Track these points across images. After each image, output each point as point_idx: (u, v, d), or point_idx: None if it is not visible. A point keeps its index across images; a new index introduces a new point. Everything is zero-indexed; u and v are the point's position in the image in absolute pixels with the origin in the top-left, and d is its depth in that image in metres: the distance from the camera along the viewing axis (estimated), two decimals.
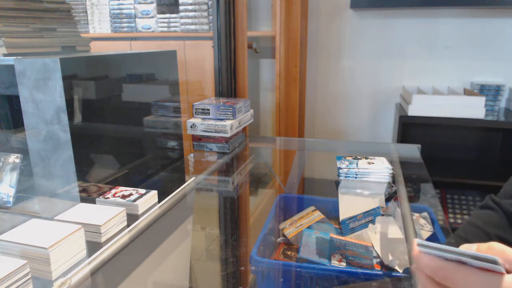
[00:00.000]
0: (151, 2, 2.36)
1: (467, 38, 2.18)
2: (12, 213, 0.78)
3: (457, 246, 0.47)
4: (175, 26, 2.34)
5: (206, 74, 2.21)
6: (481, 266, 0.38)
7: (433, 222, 1.05)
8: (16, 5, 0.96)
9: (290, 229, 1.07)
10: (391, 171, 1.11)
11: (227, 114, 1.32)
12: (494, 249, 0.40)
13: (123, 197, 0.82)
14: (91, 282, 0.62)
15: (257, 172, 1.44)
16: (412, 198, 1.12)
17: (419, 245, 0.42)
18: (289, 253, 1.02)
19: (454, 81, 2.25)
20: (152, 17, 2.38)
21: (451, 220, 2.06)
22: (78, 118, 0.80)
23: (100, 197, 0.82)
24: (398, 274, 0.82)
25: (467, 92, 2.11)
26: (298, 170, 1.48)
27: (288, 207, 1.22)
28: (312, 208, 1.14)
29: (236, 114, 1.32)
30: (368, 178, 1.12)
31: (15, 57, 0.78)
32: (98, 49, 1.16)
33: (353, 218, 1.01)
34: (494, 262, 0.37)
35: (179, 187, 0.99)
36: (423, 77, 2.29)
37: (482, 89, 2.11)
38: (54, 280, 0.59)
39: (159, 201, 0.88)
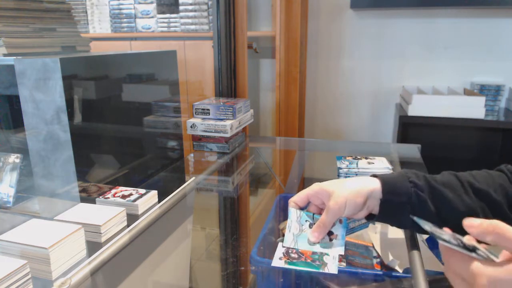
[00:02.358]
0: (151, 2, 2.36)
1: (467, 38, 2.18)
2: (12, 213, 0.78)
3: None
4: (175, 26, 2.34)
5: (206, 74, 2.21)
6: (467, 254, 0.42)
7: None
8: (16, 5, 0.96)
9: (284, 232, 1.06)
10: (391, 171, 1.11)
11: (227, 114, 1.32)
12: (498, 227, 0.41)
13: (123, 197, 0.82)
14: (91, 282, 0.62)
15: (257, 172, 1.44)
16: None
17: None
18: None
19: (454, 81, 2.25)
20: (152, 17, 2.38)
21: None
22: (78, 118, 0.80)
23: (100, 197, 0.82)
24: (398, 274, 0.82)
25: (467, 92, 2.11)
26: (298, 170, 1.48)
27: (288, 207, 1.21)
28: None
29: (236, 114, 1.32)
30: None
31: (15, 57, 0.78)
32: (98, 49, 1.16)
33: (353, 218, 1.01)
34: (473, 250, 0.41)
35: (179, 187, 0.99)
36: (423, 77, 2.29)
37: (482, 89, 2.11)
38: (54, 280, 0.59)
39: (159, 201, 0.88)
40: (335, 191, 0.64)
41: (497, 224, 0.40)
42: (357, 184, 0.65)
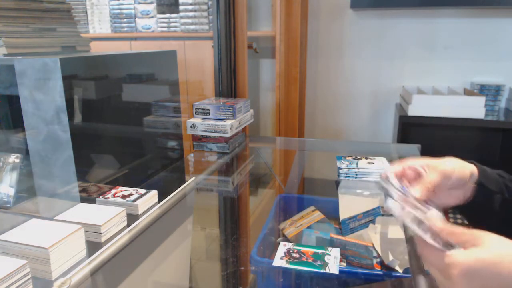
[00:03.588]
0: (151, 2, 2.36)
1: (467, 38, 2.18)
2: (12, 213, 0.78)
3: None
4: (175, 26, 2.34)
5: (206, 74, 2.21)
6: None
7: None
8: (16, 5, 0.96)
9: (290, 229, 1.07)
10: None
11: (227, 114, 1.32)
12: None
13: (123, 197, 0.82)
14: (91, 282, 0.62)
15: (257, 172, 1.44)
16: None
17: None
18: None
19: (454, 81, 2.25)
20: (152, 17, 2.38)
21: (451, 220, 2.06)
22: (78, 118, 0.80)
23: (100, 197, 0.82)
24: (398, 274, 0.82)
25: (467, 92, 2.11)
26: (298, 170, 1.48)
27: (288, 207, 1.22)
28: (312, 208, 1.14)
29: (236, 114, 1.32)
30: (368, 178, 1.12)
31: (15, 57, 0.78)
32: (98, 49, 1.16)
33: (353, 218, 1.01)
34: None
35: (179, 187, 0.99)
36: (423, 77, 2.29)
37: (482, 89, 2.11)
38: (54, 280, 0.59)
39: (159, 201, 0.87)
40: (443, 161, 0.61)
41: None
42: (461, 161, 0.64)
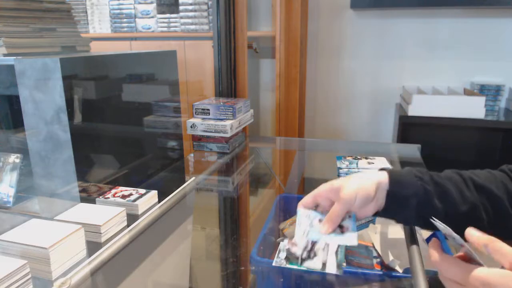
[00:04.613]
0: (151, 2, 2.36)
1: (467, 38, 2.18)
2: (12, 213, 0.78)
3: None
4: (175, 26, 2.34)
5: (206, 74, 2.21)
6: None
7: None
8: (16, 5, 0.96)
9: (290, 229, 1.06)
10: None
11: (227, 114, 1.32)
12: (494, 243, 0.45)
13: (123, 197, 0.82)
14: (91, 282, 0.62)
15: (257, 172, 1.44)
16: None
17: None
18: None
19: (454, 81, 2.25)
20: (152, 17, 2.38)
21: None
22: (78, 118, 0.80)
23: (100, 197, 0.82)
24: (398, 274, 0.82)
25: (467, 92, 2.11)
26: (298, 170, 1.48)
27: (288, 207, 1.22)
28: None
29: (236, 114, 1.32)
30: None
31: (15, 57, 0.78)
32: (98, 49, 1.16)
33: (360, 219, 1.01)
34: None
35: (179, 187, 0.99)
36: (423, 77, 2.29)
37: (482, 89, 2.11)
38: (54, 280, 0.59)
39: (159, 201, 0.87)
40: (344, 185, 0.63)
41: (494, 240, 0.45)
42: (366, 176, 0.65)
